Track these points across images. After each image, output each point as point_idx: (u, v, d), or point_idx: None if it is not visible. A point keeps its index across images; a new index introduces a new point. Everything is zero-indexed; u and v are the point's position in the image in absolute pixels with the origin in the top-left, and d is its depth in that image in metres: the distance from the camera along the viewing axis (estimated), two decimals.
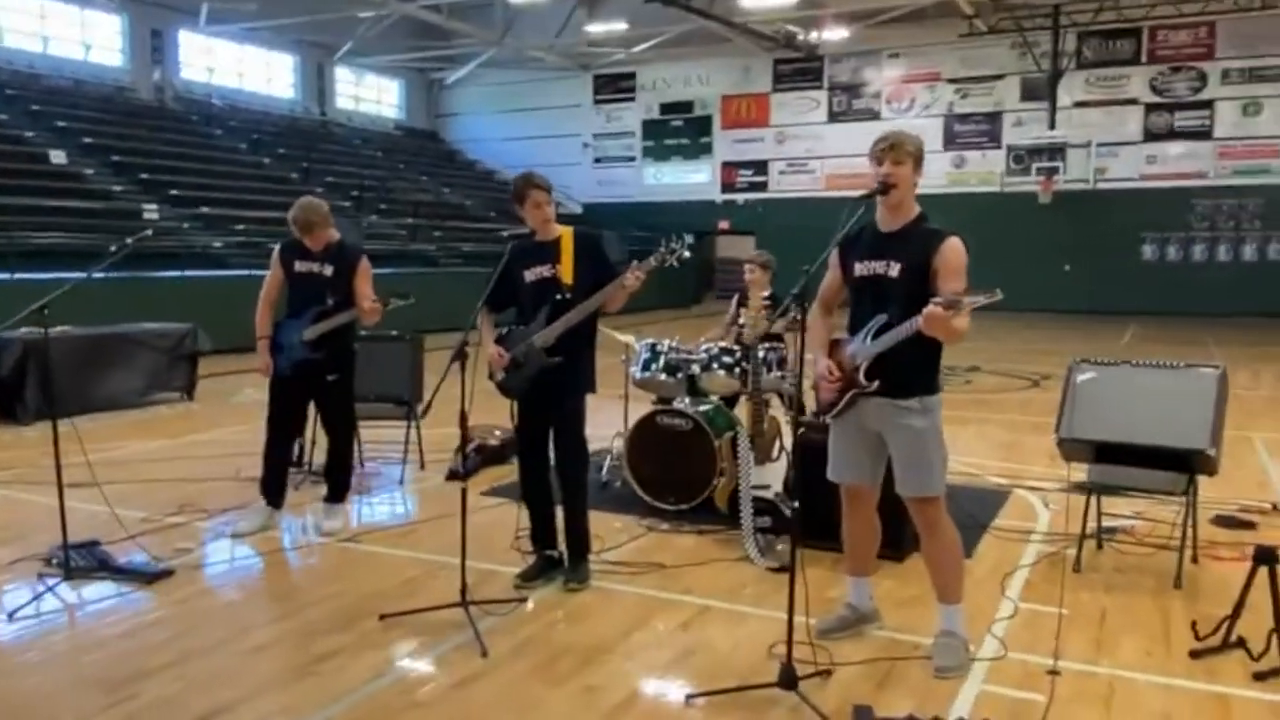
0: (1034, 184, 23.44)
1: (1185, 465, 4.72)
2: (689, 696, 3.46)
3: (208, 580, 4.76)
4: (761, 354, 5.84)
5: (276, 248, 5.59)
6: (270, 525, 5.54)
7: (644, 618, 4.25)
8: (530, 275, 4.59)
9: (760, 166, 28.13)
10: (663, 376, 6.16)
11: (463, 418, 4.21)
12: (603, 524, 5.45)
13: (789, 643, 3.42)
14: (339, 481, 5.65)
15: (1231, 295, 22.64)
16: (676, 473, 5.83)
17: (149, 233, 6.42)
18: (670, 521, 5.64)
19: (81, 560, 4.77)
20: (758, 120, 28.12)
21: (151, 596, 4.49)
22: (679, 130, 29.05)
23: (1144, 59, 24.52)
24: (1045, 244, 23.96)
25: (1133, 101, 24.64)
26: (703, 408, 5.93)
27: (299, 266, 5.43)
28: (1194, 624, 3.92)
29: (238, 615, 4.31)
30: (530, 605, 4.37)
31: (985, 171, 25.84)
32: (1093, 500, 4.96)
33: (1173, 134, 24.31)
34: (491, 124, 30.66)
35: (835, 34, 24.72)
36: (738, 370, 5.97)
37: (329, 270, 5.40)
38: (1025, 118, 25.31)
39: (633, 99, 29.54)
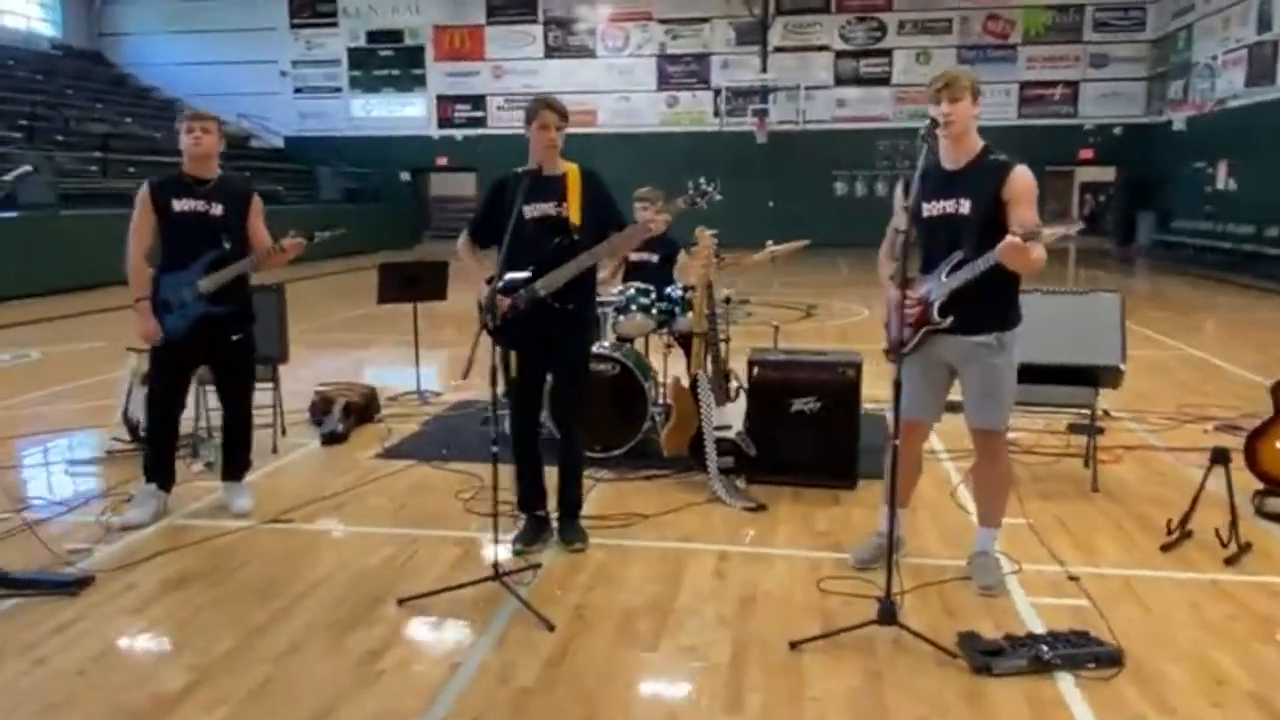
0: (750, 124, 24.64)
1: (1093, 380, 5.26)
2: (793, 644, 3.41)
3: (145, 583, 4.00)
4: (681, 293, 5.80)
5: (145, 186, 4.66)
6: (164, 512, 4.77)
7: (673, 570, 4.12)
8: (532, 212, 4.20)
9: (478, 101, 27.47)
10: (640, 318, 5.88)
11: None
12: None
13: (888, 579, 3.46)
14: (242, 457, 4.94)
15: None
16: (605, 418, 5.65)
17: None
18: (612, 470, 5.47)
19: None
20: (473, 53, 27.36)
21: (93, 612, 3.72)
22: (389, 60, 27.63)
23: (833, 8, 26.44)
24: (757, 182, 25.40)
25: (824, 48, 26.57)
26: (624, 351, 5.78)
27: (180, 206, 4.58)
28: (1169, 522, 4.41)
29: (227, 617, 3.66)
30: (539, 572, 4.09)
31: (696, 112, 26.89)
32: None
33: (859, 79, 26.52)
34: (169, 46, 27.49)
35: None
36: (654, 311, 5.85)
37: (218, 209, 4.62)
38: (731, 60, 26.54)
39: (335, 25, 27.65)
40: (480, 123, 27.50)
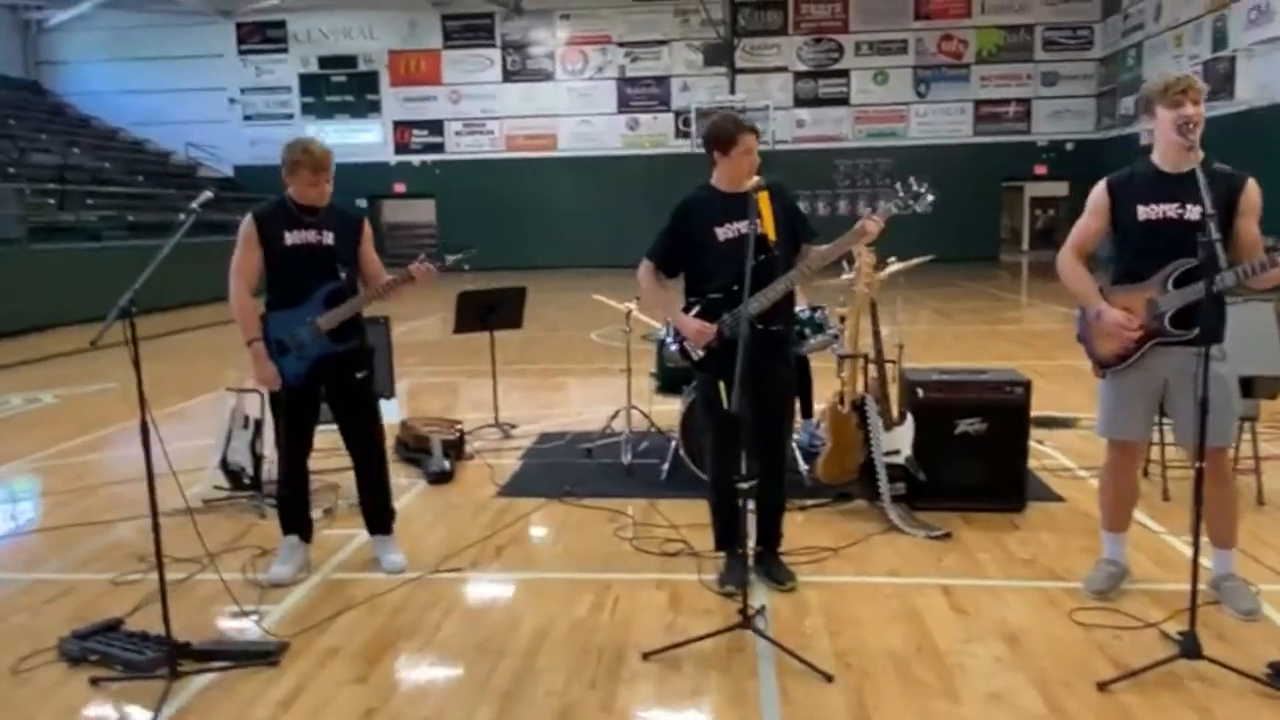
0: None
1: (1250, 390, 5.16)
2: (1100, 684, 3.19)
3: (346, 647, 3.60)
4: (810, 313, 5.57)
5: (249, 219, 4.21)
6: (305, 565, 4.36)
7: (906, 609, 3.86)
8: (724, 233, 3.94)
9: (435, 126, 26.94)
10: None
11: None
12: (686, 514, 4.93)
13: (1192, 609, 3.26)
14: (387, 507, 4.53)
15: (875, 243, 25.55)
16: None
17: None
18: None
19: (149, 650, 3.43)
20: (429, 78, 26.87)
21: (312, 683, 3.32)
22: (342, 86, 26.99)
23: (790, 30, 26.65)
24: None
25: (783, 69, 26.75)
26: None
27: (291, 239, 4.16)
28: None
29: (467, 680, 3.31)
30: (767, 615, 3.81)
31: (657, 134, 26.82)
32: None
33: (817, 100, 26.74)
34: (110, 74, 26.47)
35: None
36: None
37: (330, 238, 4.21)
38: (691, 82, 26.54)
39: (285, 51, 26.93)
40: (438, 148, 26.99)
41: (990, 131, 26.39)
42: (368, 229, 4.39)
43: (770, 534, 4.16)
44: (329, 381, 4.29)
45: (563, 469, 5.98)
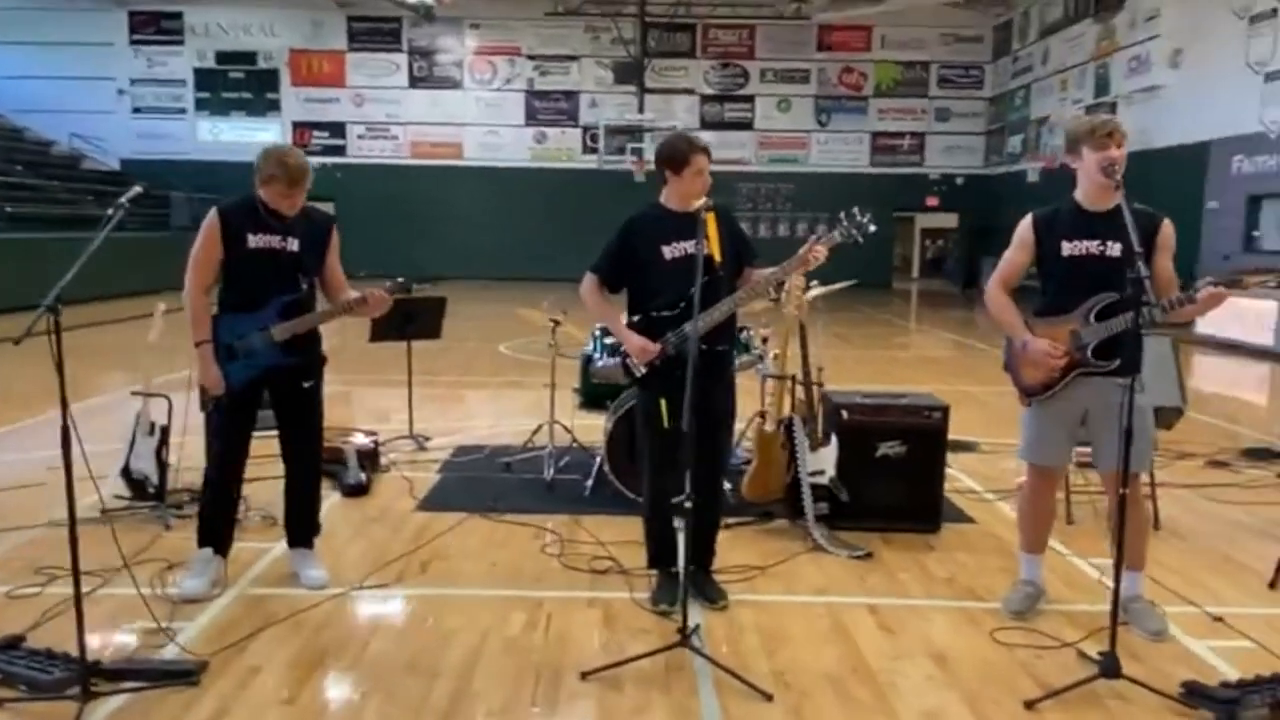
0: (629, 163, 24.69)
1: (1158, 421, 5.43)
2: (1028, 704, 3.29)
3: (270, 665, 3.45)
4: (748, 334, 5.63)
5: (213, 214, 4.07)
6: (220, 580, 4.18)
7: (834, 627, 3.93)
8: (671, 252, 3.96)
9: (337, 129, 26.37)
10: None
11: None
12: (612, 531, 4.92)
13: (1112, 631, 3.39)
14: (312, 519, 4.38)
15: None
16: None
17: None
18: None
19: (56, 669, 3.23)
20: (332, 79, 26.32)
21: (238, 705, 3.17)
22: (240, 83, 26.21)
23: (699, 53, 27.03)
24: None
25: (690, 91, 27.10)
26: None
27: (254, 241, 4.02)
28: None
29: (401, 702, 3.21)
30: (701, 634, 3.81)
31: (564, 149, 26.83)
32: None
33: (723, 123, 27.15)
34: None
35: None
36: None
37: (294, 244, 4.08)
38: (600, 99, 26.65)
39: (181, 43, 25.99)
40: (339, 151, 26.38)
41: (886, 163, 27.26)
42: (335, 238, 4.26)
43: (704, 552, 4.18)
44: (274, 388, 4.15)
45: (482, 483, 5.89)
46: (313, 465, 4.35)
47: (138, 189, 3.54)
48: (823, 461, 4.97)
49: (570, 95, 26.77)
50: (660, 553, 4.17)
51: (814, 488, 4.94)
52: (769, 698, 3.28)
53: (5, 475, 5.88)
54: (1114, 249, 3.75)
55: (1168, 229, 3.79)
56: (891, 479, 5.06)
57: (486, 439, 7.13)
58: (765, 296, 4.17)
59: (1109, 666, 3.37)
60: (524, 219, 25.63)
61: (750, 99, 27.22)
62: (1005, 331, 3.98)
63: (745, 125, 27.26)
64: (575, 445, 6.30)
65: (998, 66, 26.62)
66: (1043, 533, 4.14)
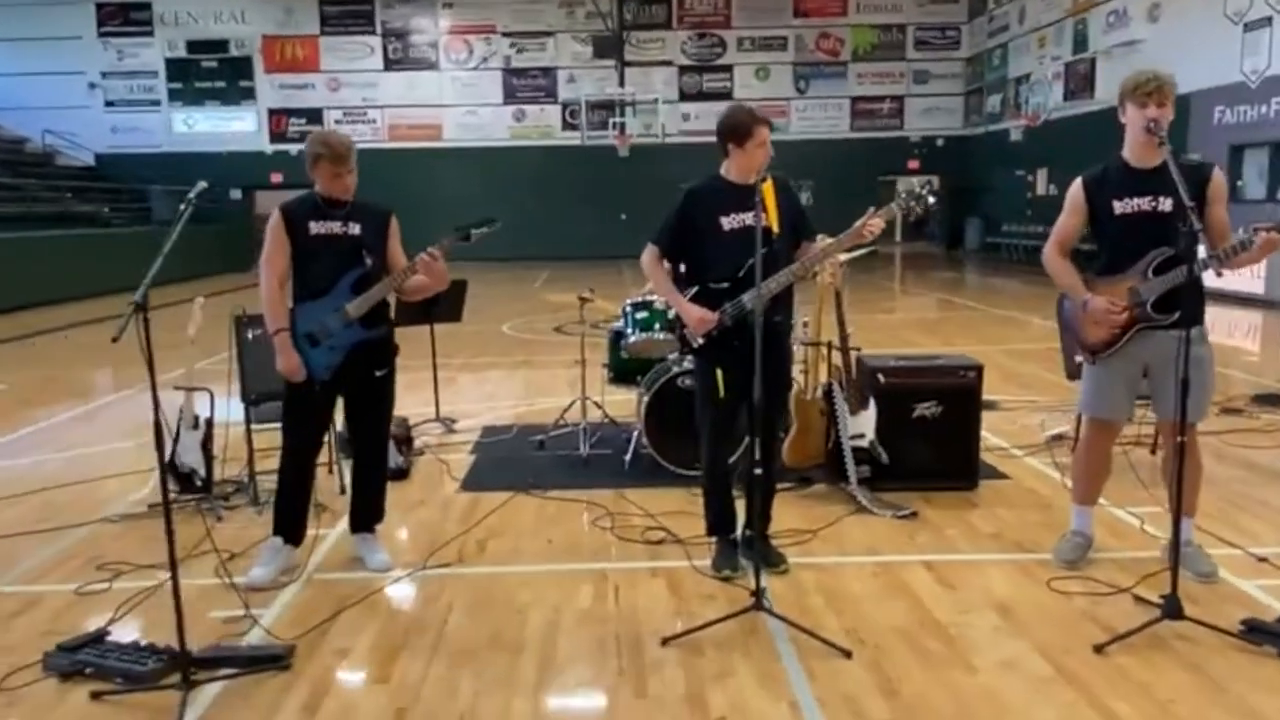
0: (612, 138, 24.62)
1: None
2: (1097, 647, 3.40)
3: (356, 647, 3.52)
4: None
5: (276, 213, 4.14)
6: (290, 568, 4.24)
7: (895, 584, 4.03)
8: (729, 223, 4.01)
9: (314, 115, 26.11)
10: (661, 335, 5.69)
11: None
12: (657, 502, 5.00)
13: (1174, 574, 3.50)
14: (378, 505, 4.45)
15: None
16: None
17: None
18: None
19: (150, 660, 3.28)
20: (307, 64, 26.06)
21: (334, 686, 3.24)
22: (213, 72, 25.94)
23: (675, 24, 26.91)
24: (610, 196, 25.38)
25: (668, 63, 26.99)
26: None
27: (316, 228, 4.10)
28: None
29: (492, 675, 3.28)
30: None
31: (544, 125, 26.71)
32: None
33: (702, 94, 27.08)
34: None
35: None
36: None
37: (355, 229, 4.16)
38: (578, 74, 26.52)
39: (150, 34, 25.64)
40: None
41: (866, 128, 27.31)
42: (395, 224, 4.30)
43: (762, 518, 4.25)
44: (348, 376, 4.19)
45: (518, 462, 5.95)
46: (381, 453, 4.45)
47: (203, 184, 3.55)
48: (862, 425, 5.06)
49: (548, 72, 26.63)
50: (719, 520, 4.25)
51: (854, 451, 5.03)
52: (848, 655, 3.38)
53: (50, 474, 5.89)
54: (1165, 204, 3.80)
55: (1218, 179, 3.85)
56: (928, 439, 5.16)
57: (511, 418, 7.18)
58: (818, 265, 4.22)
59: (1171, 608, 3.48)
60: (508, 198, 25.41)
61: (728, 68, 27.16)
62: (1066, 293, 4.07)
63: (724, 95, 27.10)
64: (607, 420, 6.37)
65: (974, 26, 26.68)
66: (1097, 486, 4.24)
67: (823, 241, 4.11)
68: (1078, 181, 4.02)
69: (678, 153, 26.28)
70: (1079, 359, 4.36)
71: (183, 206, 3.34)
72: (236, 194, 26.02)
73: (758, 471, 3.69)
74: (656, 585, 4.06)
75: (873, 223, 3.97)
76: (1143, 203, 3.85)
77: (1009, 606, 3.79)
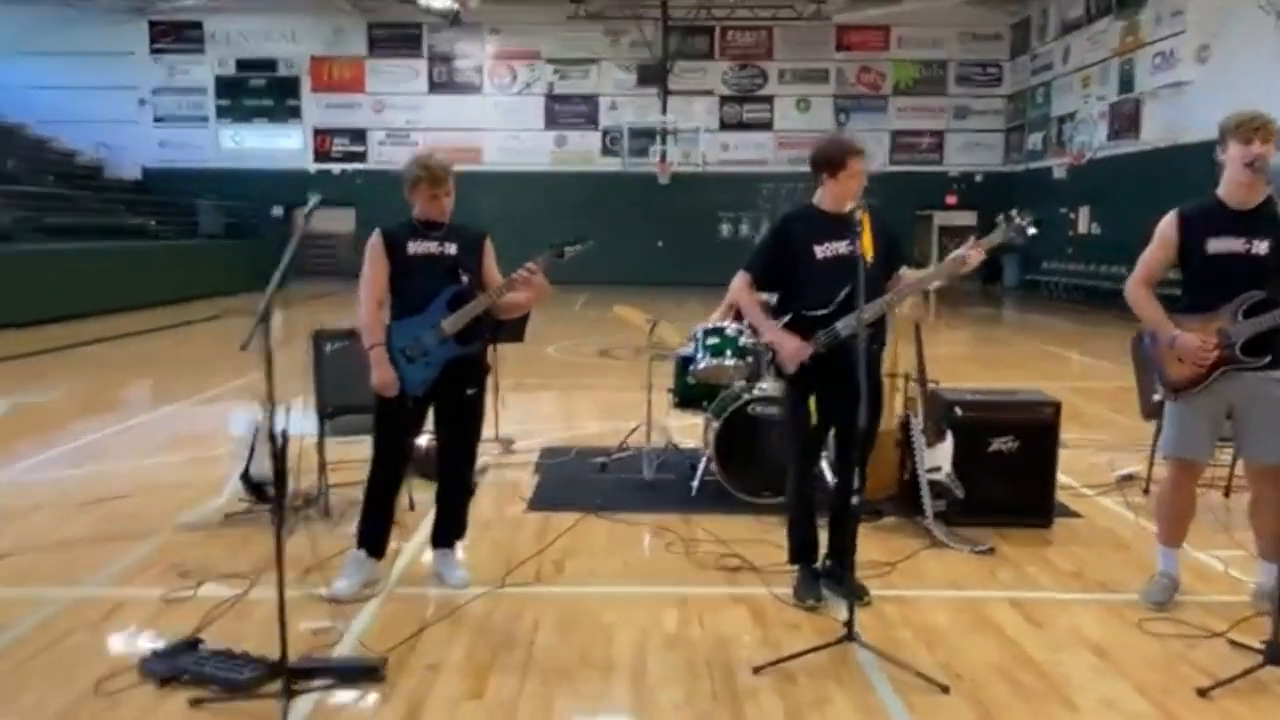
0: (653, 165, 24.76)
1: None
2: (1200, 691, 3.34)
3: (445, 662, 3.51)
4: None
5: (376, 234, 4.22)
6: (374, 580, 4.25)
7: (980, 620, 3.99)
8: (823, 251, 4.01)
9: (358, 135, 26.45)
10: (732, 362, 5.69)
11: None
12: (728, 530, 5.00)
13: (1276, 620, 3.44)
14: (462, 523, 4.47)
15: None
16: (773, 463, 5.43)
17: None
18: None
19: (247, 670, 3.29)
20: (353, 86, 26.40)
21: (431, 700, 3.24)
22: (261, 90, 26.28)
23: (717, 55, 27.08)
24: (648, 223, 25.47)
25: (709, 93, 27.14)
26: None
27: (414, 248, 4.17)
28: None
29: (590, 694, 3.27)
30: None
31: (585, 151, 26.89)
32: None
33: (742, 124, 27.20)
34: (14, 69, 25.09)
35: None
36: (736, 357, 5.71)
37: (452, 249, 4.22)
38: (619, 102, 26.72)
39: (201, 51, 26.08)
40: (360, 157, 26.49)
41: (905, 161, 27.29)
42: (489, 245, 4.36)
43: (847, 548, 4.22)
44: (439, 394, 4.22)
45: (583, 484, 5.95)
46: (468, 471, 4.45)
47: (316, 198, 3.60)
48: (938, 458, 5.02)
49: (589, 99, 26.82)
50: (802, 549, 4.23)
51: (930, 484, 4.99)
52: (945, 689, 3.34)
53: (109, 484, 5.95)
54: (1260, 247, 3.78)
55: None
56: (1004, 475, 5.12)
57: (565, 440, 7.20)
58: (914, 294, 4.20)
59: (1274, 654, 3.42)
60: (548, 223, 25.52)
61: (769, 99, 27.25)
62: (1151, 327, 4.03)
63: (764, 126, 27.29)
64: (672, 446, 6.36)
65: (1016, 64, 26.66)
66: (1182, 526, 4.18)
67: (918, 271, 4.09)
68: (1172, 215, 3.99)
69: (715, 182, 26.50)
70: (1157, 397, 4.33)
71: (301, 220, 3.39)
72: (278, 211, 26.33)
73: (854, 501, 3.66)
74: (739, 612, 4.04)
75: (972, 253, 3.96)
76: (1237, 244, 3.82)
77: (1102, 646, 3.74)
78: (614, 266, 26.09)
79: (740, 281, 4.19)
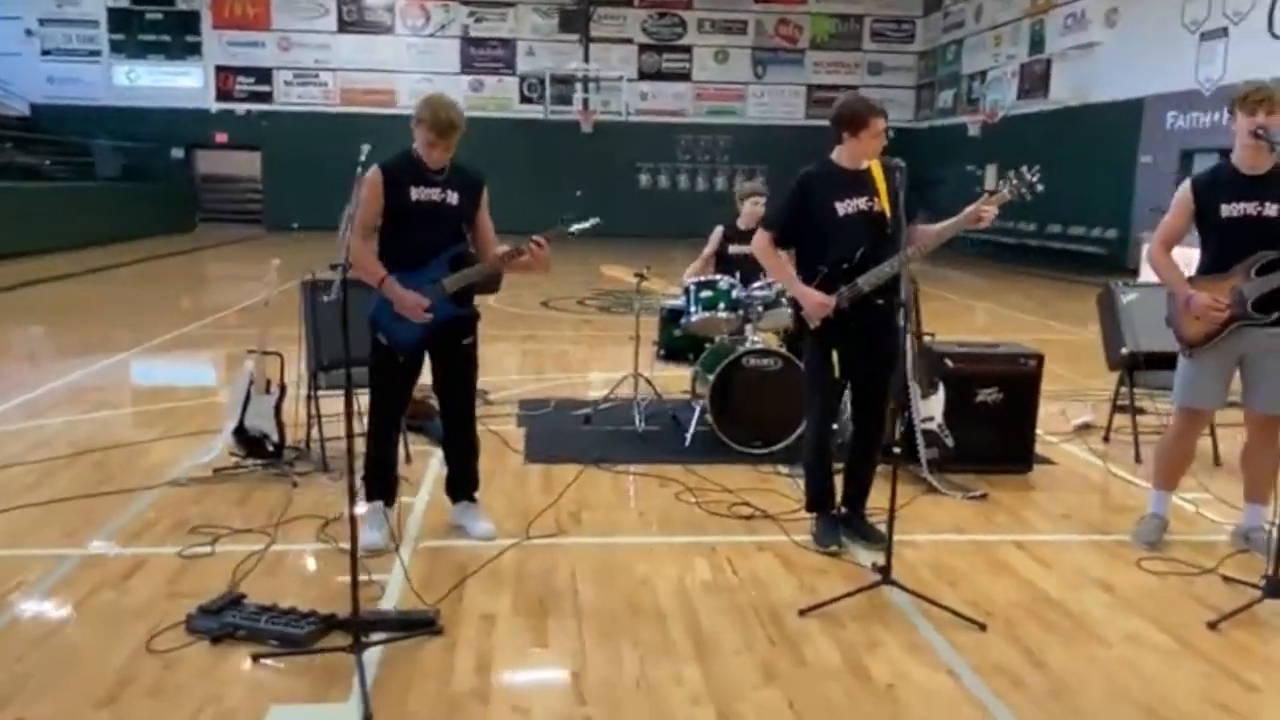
0: (575, 114, 24.46)
1: None
2: (1211, 624, 3.59)
3: (499, 612, 3.53)
4: (767, 292, 5.77)
5: (375, 169, 3.98)
6: (394, 528, 4.20)
7: (997, 562, 4.18)
8: (844, 208, 4.09)
9: (263, 74, 25.38)
10: (724, 315, 5.76)
11: None
12: (732, 479, 5.12)
13: (1276, 556, 3.71)
14: (475, 474, 4.43)
15: (706, 219, 26.28)
16: (766, 415, 5.56)
17: None
18: (785, 465, 5.38)
19: (307, 625, 3.26)
20: (257, 22, 25.26)
21: (498, 650, 3.26)
22: (158, 25, 24.93)
23: (636, 2, 26.77)
24: (566, 171, 25.19)
25: (628, 41, 26.88)
26: (777, 345, 5.75)
27: (416, 194, 4.00)
28: None
29: (647, 642, 3.33)
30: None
31: (502, 97, 26.40)
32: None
33: (661, 74, 27.06)
34: None
35: None
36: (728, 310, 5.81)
37: (454, 198, 4.08)
38: (537, 48, 26.26)
39: None
40: (266, 97, 25.44)
41: (821, 115, 27.49)
42: (485, 194, 4.23)
43: (862, 495, 4.37)
44: (435, 346, 4.15)
45: (569, 436, 5.98)
46: (471, 419, 4.39)
47: (367, 147, 3.48)
48: (931, 409, 5.20)
49: (507, 43, 26.28)
50: (820, 497, 4.35)
51: (923, 433, 5.18)
52: (983, 627, 3.51)
53: (84, 435, 5.73)
54: (1271, 209, 4.01)
55: None
56: (989, 424, 5.34)
57: (540, 392, 7.20)
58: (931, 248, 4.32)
59: (1273, 588, 3.70)
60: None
61: (688, 49, 27.16)
62: (1169, 288, 4.24)
63: (683, 76, 27.21)
64: (656, 397, 6.43)
65: (929, 21, 27.13)
66: (1180, 472, 4.45)
67: (933, 226, 4.22)
68: (1186, 183, 4.21)
69: (635, 130, 26.35)
70: (1125, 350, 4.53)
71: (359, 170, 3.28)
72: (179, 153, 25.20)
73: (896, 450, 3.80)
74: (766, 558, 4.15)
75: (986, 208, 4.09)
76: (1249, 207, 4.04)
77: (1109, 584, 3.98)
78: (532, 215, 25.80)
79: (764, 240, 4.25)
